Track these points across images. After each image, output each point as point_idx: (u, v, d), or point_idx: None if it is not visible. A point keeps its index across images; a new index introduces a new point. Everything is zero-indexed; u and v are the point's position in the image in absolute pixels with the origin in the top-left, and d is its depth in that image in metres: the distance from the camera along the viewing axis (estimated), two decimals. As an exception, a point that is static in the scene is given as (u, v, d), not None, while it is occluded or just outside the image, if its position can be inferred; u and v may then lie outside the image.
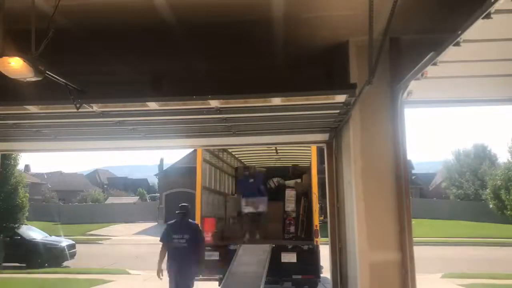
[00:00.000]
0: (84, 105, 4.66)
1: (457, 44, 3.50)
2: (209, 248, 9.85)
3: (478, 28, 3.28)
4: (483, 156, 47.20)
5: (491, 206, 20.84)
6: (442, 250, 22.32)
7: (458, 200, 44.15)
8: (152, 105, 4.91)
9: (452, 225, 32.41)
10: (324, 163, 7.32)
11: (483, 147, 49.27)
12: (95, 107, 4.96)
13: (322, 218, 11.94)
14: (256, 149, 13.00)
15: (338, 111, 5.33)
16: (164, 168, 43.24)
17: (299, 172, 13.02)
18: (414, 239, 5.10)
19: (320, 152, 9.51)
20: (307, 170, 12.03)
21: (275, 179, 12.79)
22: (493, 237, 25.82)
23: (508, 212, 16.87)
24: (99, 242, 27.78)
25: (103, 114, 5.27)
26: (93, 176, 76.49)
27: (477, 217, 33.42)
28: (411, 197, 5.79)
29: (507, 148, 26.76)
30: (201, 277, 9.91)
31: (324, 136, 7.10)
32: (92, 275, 14.74)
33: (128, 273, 15.71)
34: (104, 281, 13.71)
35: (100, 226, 35.64)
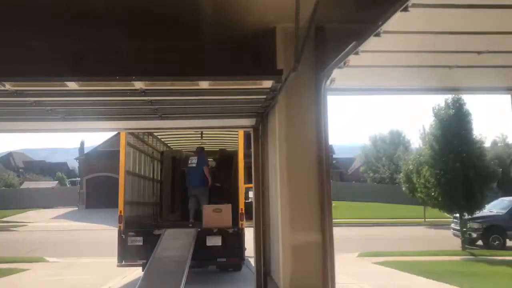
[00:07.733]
0: (-5, 83, 4.33)
1: (378, 34, 3.66)
2: (133, 233, 9.66)
3: (397, 20, 3.45)
4: (398, 142, 50.01)
5: (403, 189, 22.26)
6: (359, 230, 23.56)
7: (375, 183, 46.79)
8: (72, 85, 4.66)
9: (369, 207, 34.37)
10: (250, 148, 7.40)
11: (398, 133, 52.22)
12: (8, 86, 4.62)
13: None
14: (182, 133, 12.85)
15: (264, 96, 5.39)
16: (85, 152, 41.59)
17: (226, 156, 13.05)
18: (334, 220, 5.33)
19: (247, 136, 9.60)
20: (234, 154, 12.10)
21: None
22: (405, 217, 27.76)
23: (418, 195, 18.13)
24: (14, 229, 26.16)
25: (17, 93, 4.93)
26: (7, 160, 71.84)
27: (392, 199, 35.80)
28: (331, 181, 6.03)
29: (419, 135, 28.62)
30: (123, 262, 9.74)
31: (251, 121, 7.16)
32: (6, 264, 13.86)
33: (46, 261, 14.97)
34: (19, 270, 12.96)
35: (14, 212, 33.52)
